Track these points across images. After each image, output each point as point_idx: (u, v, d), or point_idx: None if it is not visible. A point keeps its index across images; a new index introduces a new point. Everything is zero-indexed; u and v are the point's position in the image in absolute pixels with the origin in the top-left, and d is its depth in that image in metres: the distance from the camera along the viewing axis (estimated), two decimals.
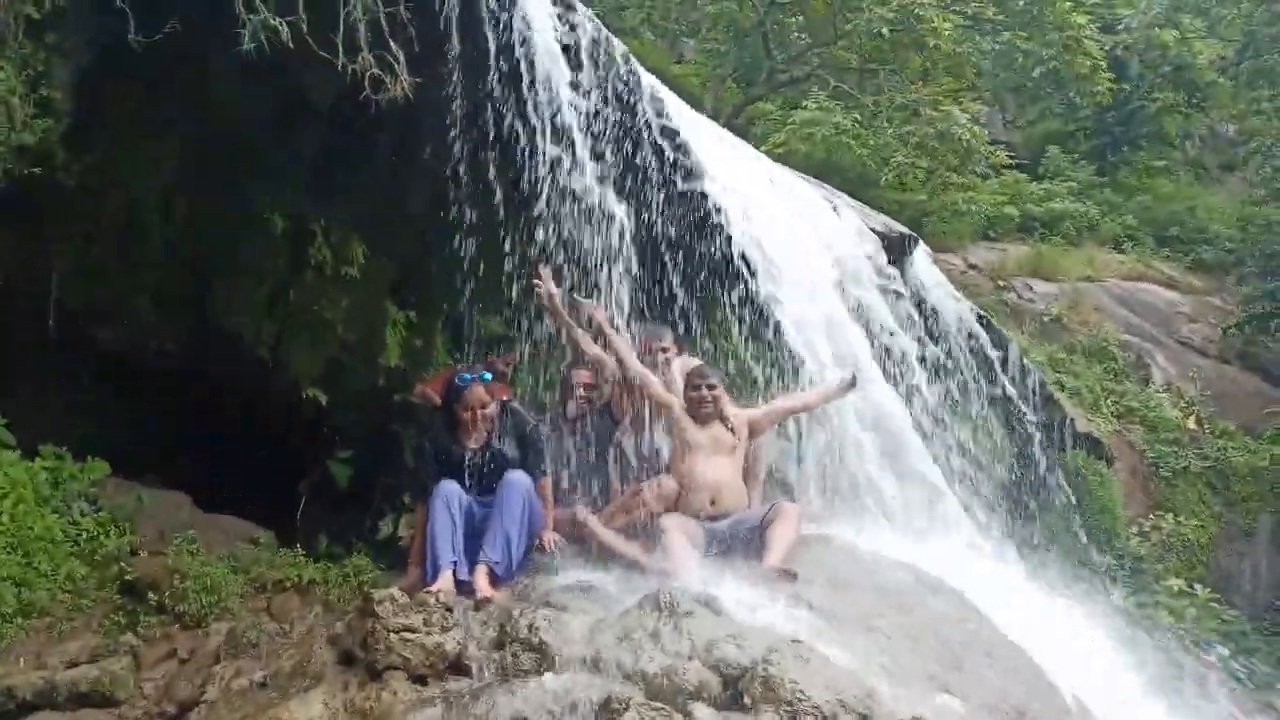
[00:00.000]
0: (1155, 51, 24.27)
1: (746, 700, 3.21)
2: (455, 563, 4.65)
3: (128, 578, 5.07)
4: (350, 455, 7.20)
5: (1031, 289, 19.22)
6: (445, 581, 4.48)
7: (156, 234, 5.95)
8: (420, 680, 3.42)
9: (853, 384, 5.40)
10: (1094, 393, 15.17)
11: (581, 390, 5.80)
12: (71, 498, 5.52)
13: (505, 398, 5.54)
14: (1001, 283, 18.74)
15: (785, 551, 4.64)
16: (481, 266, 6.18)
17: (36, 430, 5.56)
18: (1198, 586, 11.70)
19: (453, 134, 5.59)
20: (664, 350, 5.71)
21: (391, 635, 3.43)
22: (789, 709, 3.13)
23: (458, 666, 3.57)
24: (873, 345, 6.30)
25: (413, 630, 3.47)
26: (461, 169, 5.84)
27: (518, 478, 4.88)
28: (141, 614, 4.91)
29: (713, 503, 5.10)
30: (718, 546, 4.91)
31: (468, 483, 5.07)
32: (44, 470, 5.44)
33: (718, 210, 5.99)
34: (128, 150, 5.58)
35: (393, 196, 6.51)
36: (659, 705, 2.89)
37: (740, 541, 4.93)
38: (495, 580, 4.52)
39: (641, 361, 5.45)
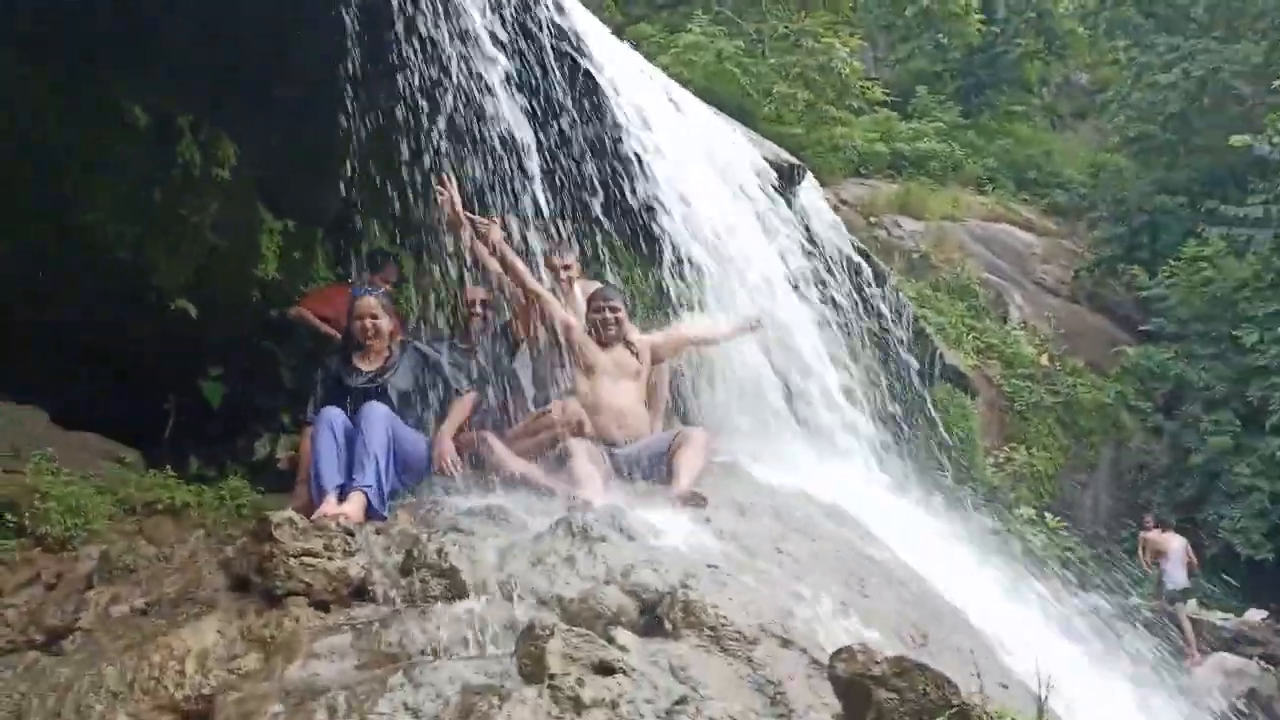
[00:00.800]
0: None
1: (667, 625, 3.16)
2: (341, 486, 4.42)
3: None
4: (222, 374, 6.78)
5: (900, 226, 19.76)
6: (330, 505, 4.26)
7: (7, 123, 5.36)
8: (322, 607, 3.23)
9: (758, 325, 5.35)
10: (957, 329, 15.80)
11: (477, 308, 5.57)
12: None
13: (402, 338, 5.27)
14: (873, 219, 19.18)
15: (693, 477, 4.60)
16: (370, 173, 5.83)
17: None
18: (1046, 515, 12.42)
19: (337, 28, 5.19)
20: (566, 268, 5.53)
21: (291, 560, 3.21)
22: (711, 633, 3.09)
23: (362, 593, 3.39)
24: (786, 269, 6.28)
25: (314, 555, 3.26)
26: (347, 65, 5.44)
27: (374, 406, 4.65)
28: None
29: (619, 427, 5.01)
30: (624, 472, 4.83)
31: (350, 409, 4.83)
32: None
33: (623, 129, 5.79)
34: None
35: (268, 94, 6.04)
36: (583, 631, 2.79)
37: (646, 468, 4.86)
38: (369, 510, 4.29)
39: (542, 279, 5.26)
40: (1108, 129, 23.26)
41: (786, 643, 3.12)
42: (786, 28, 17.93)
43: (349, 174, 5.83)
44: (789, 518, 4.51)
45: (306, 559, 3.24)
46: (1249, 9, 19.19)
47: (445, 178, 5.14)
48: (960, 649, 3.84)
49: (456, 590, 3.35)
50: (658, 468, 4.82)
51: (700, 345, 5.61)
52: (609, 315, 5.15)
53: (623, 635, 2.97)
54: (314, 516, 3.76)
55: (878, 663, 2.36)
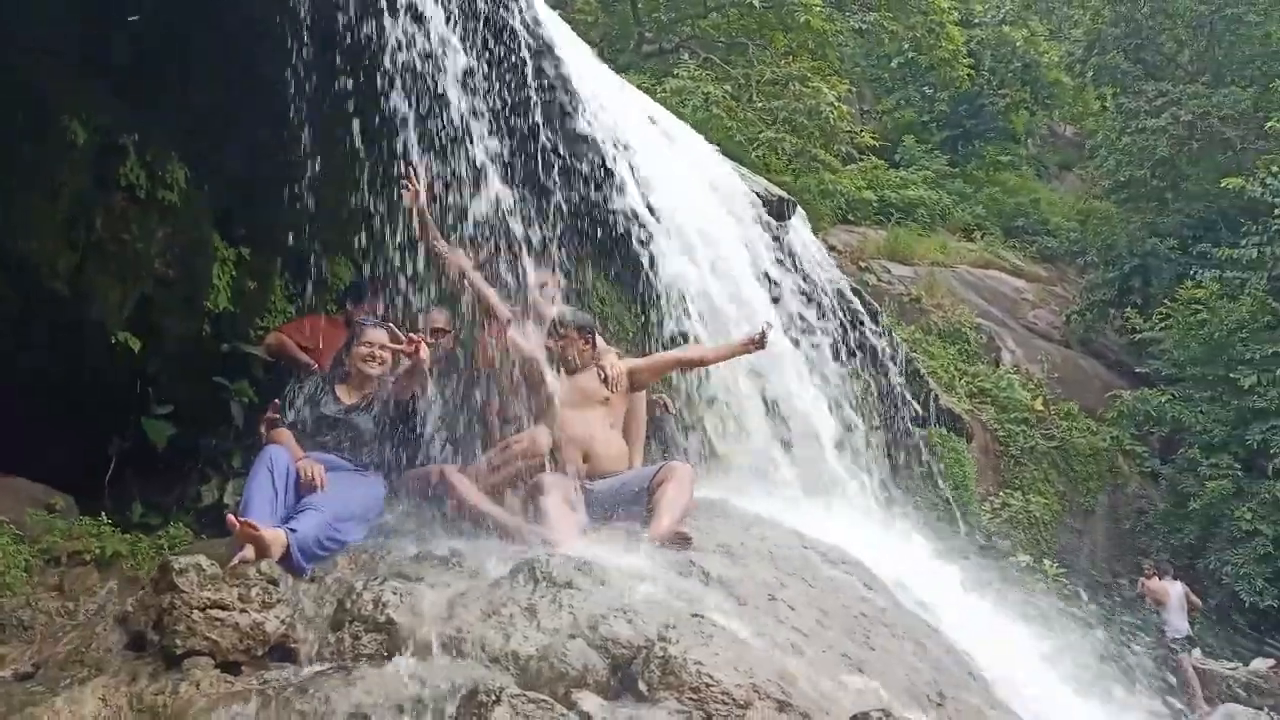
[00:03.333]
0: (1006, 48, 25.14)
1: (642, 686, 2.66)
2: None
3: None
4: (169, 412, 6.27)
5: (889, 271, 19.55)
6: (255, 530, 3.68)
7: None
8: (231, 669, 2.72)
9: (762, 343, 4.85)
10: (949, 373, 15.43)
11: (441, 339, 5.13)
12: None
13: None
14: (862, 264, 18.93)
15: (678, 516, 4.09)
16: (329, 196, 5.42)
17: None
18: (1045, 561, 11.96)
19: (293, 39, 4.84)
20: (542, 286, 5.11)
21: (195, 613, 2.70)
22: (694, 696, 2.59)
23: (283, 651, 2.89)
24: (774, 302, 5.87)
25: (224, 606, 2.76)
26: (304, 80, 5.08)
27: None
28: None
29: (585, 459, 4.53)
30: (598, 511, 4.34)
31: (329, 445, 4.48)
32: None
33: (599, 143, 5.40)
34: None
35: (221, 111, 5.64)
36: (537, 696, 2.30)
37: (624, 505, 4.36)
38: (290, 561, 3.72)
39: (525, 298, 4.86)
40: (1093, 178, 23.27)
41: (784, 705, 2.62)
42: (774, 72, 17.78)
43: (305, 197, 5.44)
44: (784, 561, 4.00)
45: (214, 612, 2.74)
46: (1235, 55, 19.19)
47: (413, 172, 4.73)
48: (980, 710, 3.34)
49: (394, 647, 2.85)
50: (638, 505, 4.32)
51: (688, 368, 5.16)
52: (575, 337, 4.77)
53: (587, 700, 2.48)
54: (234, 560, 3.24)
55: None
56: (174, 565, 2.81)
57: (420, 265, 5.06)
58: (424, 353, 4.40)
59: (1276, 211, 15.51)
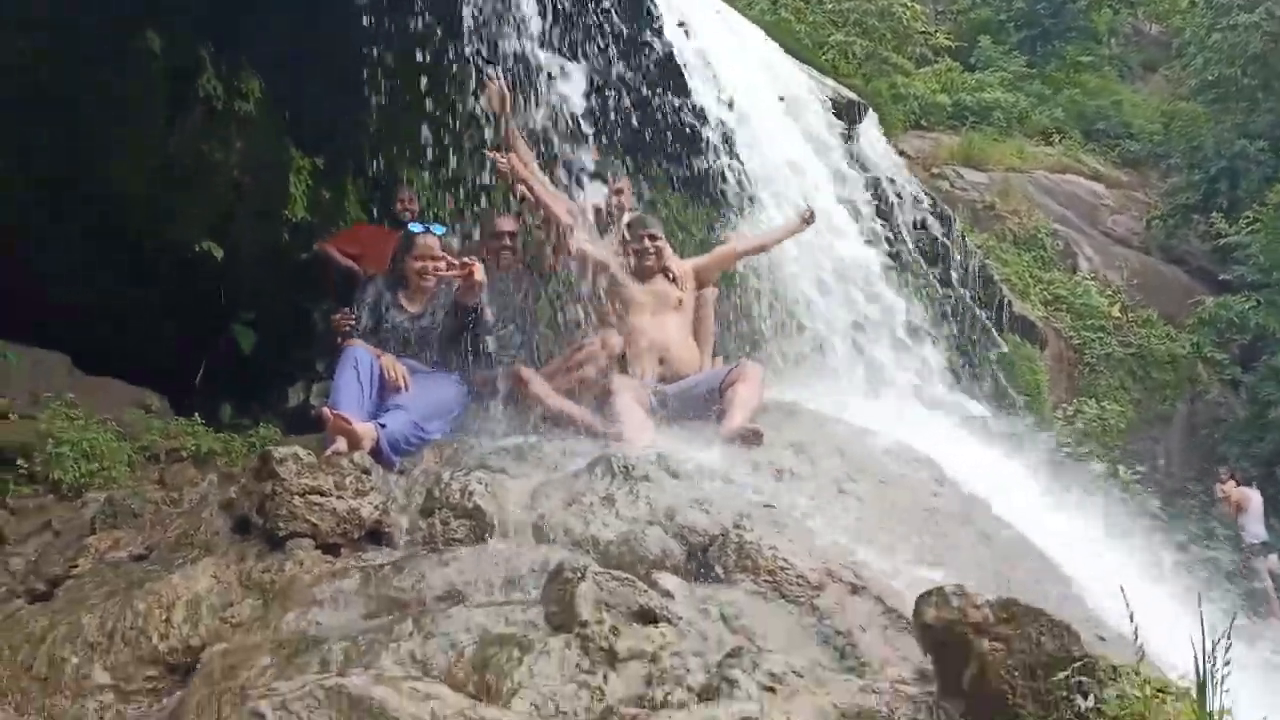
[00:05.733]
0: None
1: (719, 570, 2.77)
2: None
3: None
4: (254, 318, 6.49)
5: (963, 177, 19.03)
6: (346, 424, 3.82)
7: (14, 66, 5.06)
8: (331, 550, 2.89)
9: (811, 219, 4.86)
10: (1024, 280, 15.10)
11: (506, 240, 5.16)
12: None
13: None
14: (935, 170, 18.45)
15: (750, 413, 4.16)
16: (400, 103, 5.46)
17: None
18: (1120, 468, 11.79)
19: None
20: (618, 192, 5.11)
21: (296, 498, 2.87)
22: (770, 578, 2.69)
23: (377, 535, 3.05)
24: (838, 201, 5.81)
25: (321, 493, 2.91)
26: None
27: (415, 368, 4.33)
28: (10, 483, 4.27)
29: (661, 363, 4.60)
30: (672, 412, 4.42)
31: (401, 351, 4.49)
32: None
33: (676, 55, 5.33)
34: None
35: (298, 31, 5.67)
36: (621, 574, 2.41)
37: (697, 405, 4.43)
38: (380, 454, 3.80)
39: (599, 207, 4.87)
40: (1179, 79, 22.15)
41: (857, 589, 2.70)
42: None
43: (377, 104, 5.48)
44: (853, 457, 4.05)
45: (313, 497, 2.90)
46: None
47: (494, 74, 4.71)
48: (1052, 598, 3.39)
49: (481, 532, 2.99)
50: (710, 405, 4.39)
51: (748, 255, 5.17)
52: (647, 245, 4.75)
53: (667, 579, 2.58)
54: (327, 451, 3.39)
55: (977, 607, 1.94)
56: (274, 454, 2.97)
57: (488, 176, 5.09)
58: (479, 274, 4.28)
59: None
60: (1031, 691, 1.84)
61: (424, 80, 5.29)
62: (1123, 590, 2.38)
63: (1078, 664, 1.82)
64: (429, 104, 5.35)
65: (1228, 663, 1.95)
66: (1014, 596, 2.00)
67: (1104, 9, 25.05)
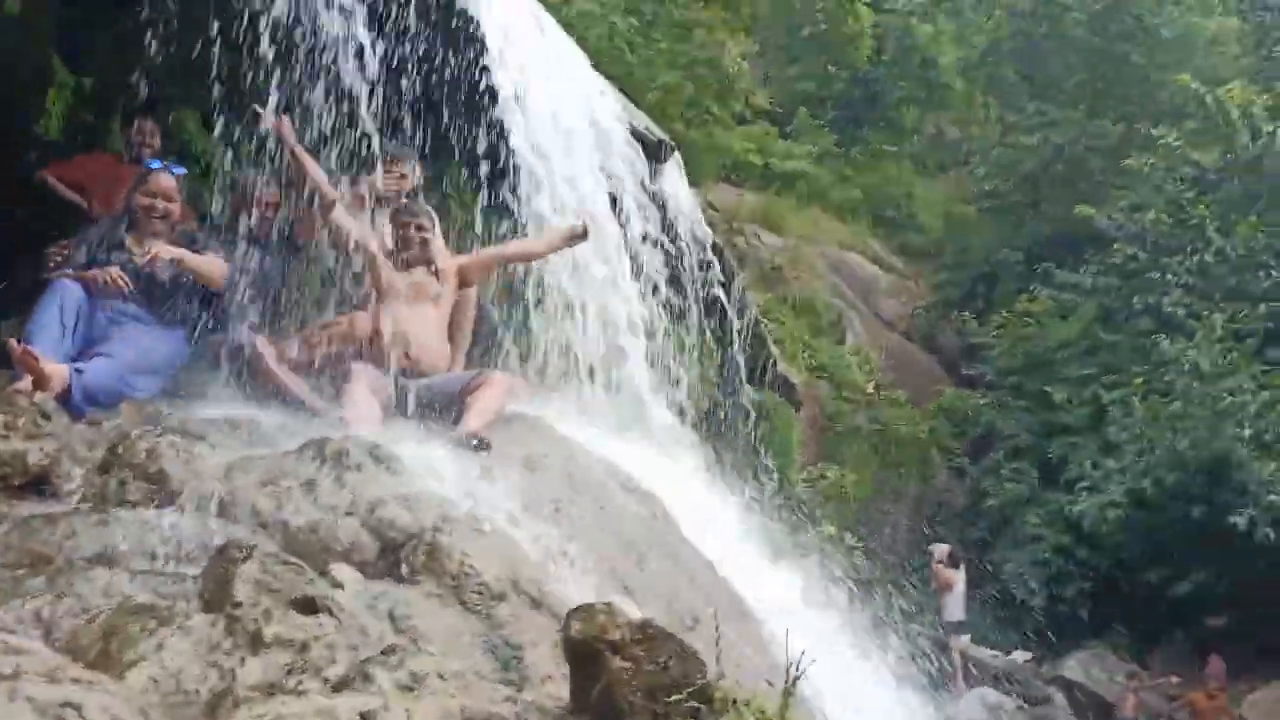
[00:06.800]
0: (910, 40, 25.60)
1: (404, 569, 2.73)
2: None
3: None
4: None
5: (759, 237, 19.84)
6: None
7: None
8: None
9: (584, 235, 4.92)
10: (794, 344, 15.87)
11: (269, 211, 4.96)
12: None
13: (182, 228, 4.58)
14: (735, 225, 19.15)
15: (486, 421, 4.14)
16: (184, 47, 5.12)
17: None
18: (846, 534, 12.54)
19: None
20: (401, 178, 5.00)
21: None
22: (452, 582, 2.67)
23: (43, 486, 2.80)
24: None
25: None
26: None
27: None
28: None
29: (408, 356, 4.51)
30: (410, 407, 4.34)
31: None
32: None
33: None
34: None
35: None
36: (292, 560, 2.33)
37: (436, 407, 4.37)
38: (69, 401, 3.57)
39: (378, 191, 4.74)
40: (966, 182, 24.08)
41: (538, 604, 2.73)
42: (683, 15, 17.63)
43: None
44: (579, 480, 4.11)
45: None
46: (1113, 91, 20.14)
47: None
48: (731, 640, 3.54)
49: (162, 499, 2.81)
50: (450, 407, 4.34)
51: (515, 261, 5.18)
52: (413, 234, 4.67)
53: (342, 571, 2.53)
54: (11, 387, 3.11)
55: (618, 625, 1.99)
56: None
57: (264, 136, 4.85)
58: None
59: (1115, 247, 16.51)
60: (649, 712, 1.90)
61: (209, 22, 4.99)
62: (787, 633, 2.51)
63: (693, 689, 1.91)
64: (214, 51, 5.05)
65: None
66: (667, 625, 2.08)
67: (912, 108, 26.93)
